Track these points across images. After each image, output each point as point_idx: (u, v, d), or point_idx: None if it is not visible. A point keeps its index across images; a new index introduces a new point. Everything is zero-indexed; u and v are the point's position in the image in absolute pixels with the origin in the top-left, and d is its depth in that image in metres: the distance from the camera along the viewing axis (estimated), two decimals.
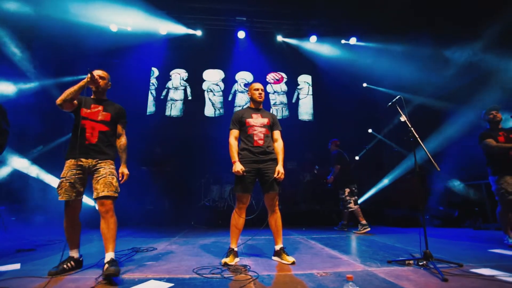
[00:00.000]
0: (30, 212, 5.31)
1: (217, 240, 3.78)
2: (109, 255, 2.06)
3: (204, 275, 2.06)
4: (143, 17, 6.59)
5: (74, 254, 2.24)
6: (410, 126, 2.56)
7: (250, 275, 2.05)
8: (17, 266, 2.32)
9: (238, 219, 2.59)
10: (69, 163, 2.23)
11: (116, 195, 2.22)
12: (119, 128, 2.48)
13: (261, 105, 2.89)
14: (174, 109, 7.69)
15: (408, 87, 6.24)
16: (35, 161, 5.47)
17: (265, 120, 2.75)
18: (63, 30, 5.70)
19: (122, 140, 2.47)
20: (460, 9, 5.36)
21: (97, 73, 2.42)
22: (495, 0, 5.00)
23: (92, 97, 2.46)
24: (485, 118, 3.55)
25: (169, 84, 7.84)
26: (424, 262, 2.24)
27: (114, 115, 2.42)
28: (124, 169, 2.40)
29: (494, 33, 4.95)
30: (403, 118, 2.62)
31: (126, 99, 4.98)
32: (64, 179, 2.18)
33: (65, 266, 2.13)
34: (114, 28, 6.75)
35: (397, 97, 2.72)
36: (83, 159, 2.23)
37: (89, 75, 2.29)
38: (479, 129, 3.63)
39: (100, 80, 2.41)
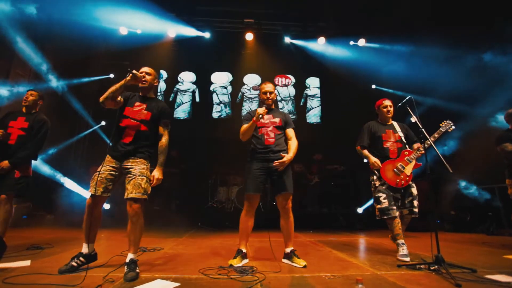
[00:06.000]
0: (41, 211, 5.42)
1: (224, 242, 3.77)
2: (129, 256, 2.10)
3: (210, 276, 2.05)
4: (153, 20, 6.68)
5: (85, 249, 2.21)
6: (421, 127, 2.51)
7: (257, 277, 2.03)
8: (27, 262, 2.35)
9: (247, 221, 2.56)
10: (106, 159, 2.26)
11: (144, 197, 2.17)
12: (160, 129, 2.39)
13: (273, 105, 2.83)
14: (182, 112, 7.75)
15: (419, 88, 6.14)
16: (47, 161, 5.58)
17: (276, 120, 2.69)
18: (75, 32, 5.82)
19: (162, 141, 2.36)
20: (473, 8, 5.26)
21: (144, 69, 2.43)
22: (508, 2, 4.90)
23: (139, 93, 2.46)
24: (511, 119, 3.41)
25: (178, 87, 7.91)
26: (436, 266, 2.17)
27: (155, 114, 2.36)
28: (156, 172, 2.27)
29: (508, 32, 4.83)
30: (414, 119, 2.57)
31: None
32: (98, 173, 2.20)
33: (73, 263, 2.14)
34: (124, 31, 6.86)
35: (407, 98, 2.67)
36: (116, 158, 2.24)
37: (130, 74, 2.25)
38: (491, 131, 3.53)
39: (146, 76, 2.41)
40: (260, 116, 2.48)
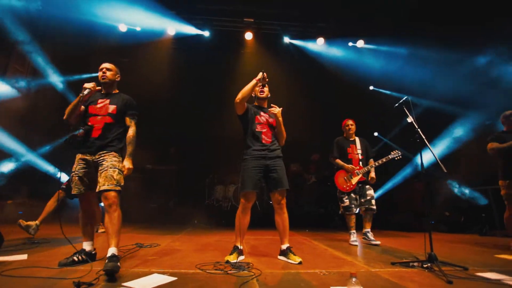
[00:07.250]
0: (37, 206, 5.39)
1: (221, 239, 3.79)
2: (111, 250, 1.99)
3: (207, 271, 2.07)
4: (152, 17, 6.67)
5: (87, 247, 2.27)
6: (417, 127, 2.55)
7: (253, 272, 2.05)
8: (24, 256, 2.36)
9: (243, 218, 2.58)
10: (77, 157, 2.29)
11: (117, 188, 2.14)
12: (127, 120, 2.40)
13: (266, 103, 2.87)
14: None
15: (416, 90, 6.19)
16: (43, 155, 5.56)
17: (271, 120, 2.76)
18: (74, 29, 5.80)
19: (130, 132, 2.35)
20: (470, 12, 5.31)
21: (104, 65, 2.46)
22: (507, 3, 4.95)
23: (102, 91, 2.49)
24: (506, 121, 3.45)
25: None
26: (429, 264, 2.22)
27: (121, 107, 2.38)
28: (126, 162, 2.24)
29: (504, 36, 4.89)
30: (410, 120, 2.60)
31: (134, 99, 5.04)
32: (74, 173, 2.23)
33: (75, 258, 2.17)
34: (123, 28, 6.84)
35: (404, 98, 2.71)
36: (87, 154, 2.25)
37: (84, 90, 2.29)
38: (485, 133, 3.59)
39: (107, 72, 2.44)
40: (263, 79, 2.61)
